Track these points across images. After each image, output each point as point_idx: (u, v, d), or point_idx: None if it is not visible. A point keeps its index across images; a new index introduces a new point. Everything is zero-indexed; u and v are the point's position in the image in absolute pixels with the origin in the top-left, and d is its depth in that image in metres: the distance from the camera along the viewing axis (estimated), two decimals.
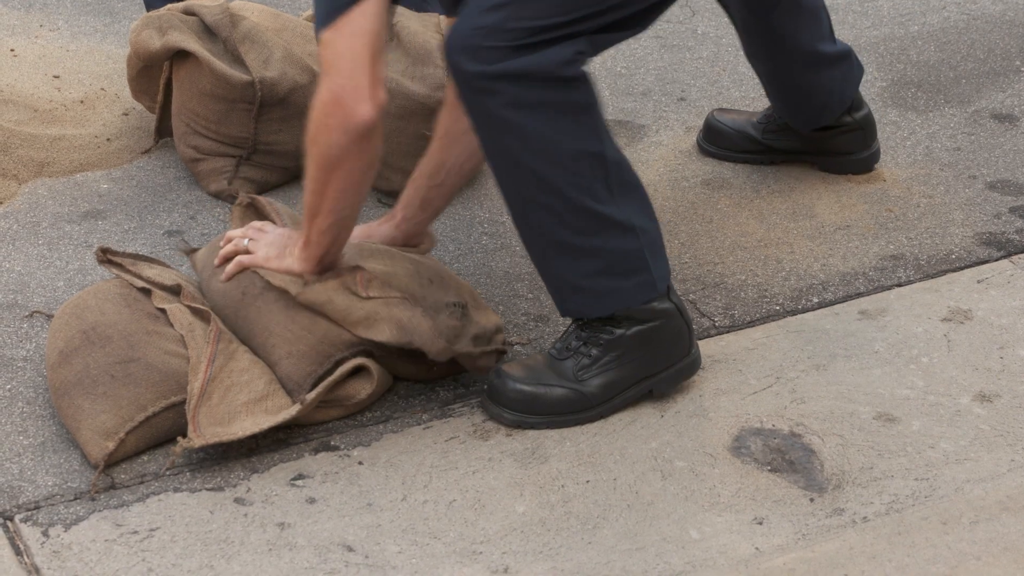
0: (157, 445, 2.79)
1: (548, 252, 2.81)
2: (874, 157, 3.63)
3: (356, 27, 2.64)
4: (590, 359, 2.84)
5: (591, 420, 2.85)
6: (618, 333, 2.84)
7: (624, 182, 2.80)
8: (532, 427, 2.84)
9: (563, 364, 2.86)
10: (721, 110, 3.72)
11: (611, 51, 4.20)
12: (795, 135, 3.60)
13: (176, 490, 2.69)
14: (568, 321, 2.97)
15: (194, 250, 3.17)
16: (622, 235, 2.80)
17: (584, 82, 2.73)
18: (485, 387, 2.89)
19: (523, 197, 2.77)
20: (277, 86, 3.48)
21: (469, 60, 2.66)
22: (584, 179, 2.75)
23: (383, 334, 2.82)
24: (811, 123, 3.54)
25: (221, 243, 3.04)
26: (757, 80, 4.04)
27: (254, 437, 2.78)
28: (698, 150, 3.70)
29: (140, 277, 3.02)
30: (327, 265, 2.88)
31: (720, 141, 3.66)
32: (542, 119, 2.70)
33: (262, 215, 3.15)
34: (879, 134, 3.72)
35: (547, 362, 2.87)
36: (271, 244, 2.93)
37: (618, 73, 4.08)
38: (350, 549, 2.58)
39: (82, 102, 3.86)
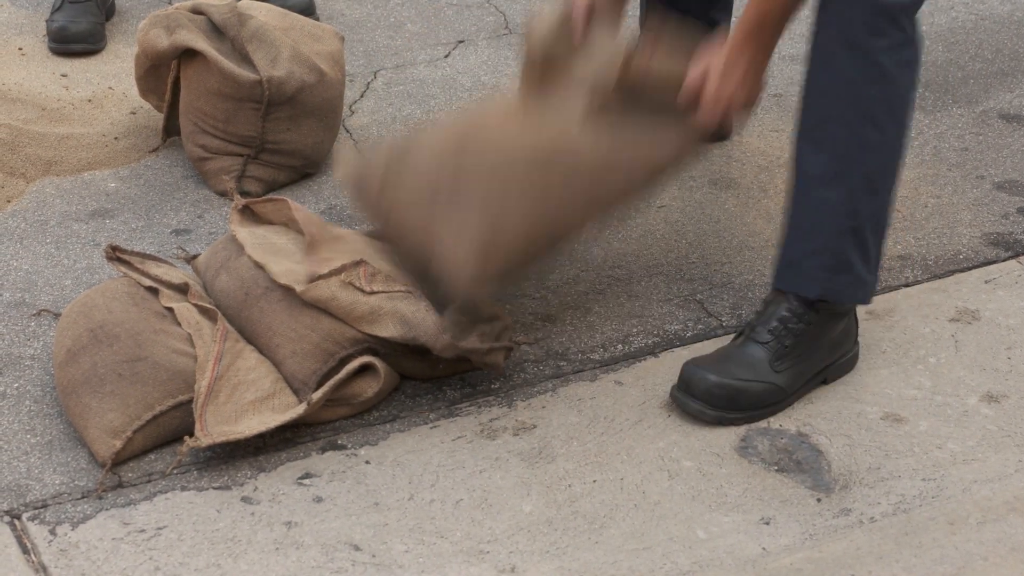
0: (164, 444, 2.79)
1: (849, 225, 2.85)
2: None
3: None
4: (785, 349, 2.86)
5: (781, 410, 2.87)
6: (815, 324, 2.88)
7: None
8: (731, 423, 2.84)
9: (755, 352, 2.86)
10: None
11: None
12: None
13: (183, 489, 2.70)
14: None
15: (195, 256, 3.18)
16: (887, 230, 2.91)
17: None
18: (677, 381, 2.88)
19: (854, 160, 2.81)
20: (284, 85, 3.48)
21: None
22: (900, 158, 2.86)
23: (387, 330, 2.82)
24: None
25: (220, 245, 3.05)
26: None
27: (261, 436, 2.78)
28: None
29: (147, 276, 3.02)
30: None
31: None
32: (906, 75, 2.80)
33: (260, 219, 3.16)
34: None
35: (739, 348, 2.88)
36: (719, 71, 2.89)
37: None
38: (357, 548, 2.58)
39: (90, 101, 3.86)
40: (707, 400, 2.83)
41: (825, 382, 2.94)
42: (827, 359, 2.93)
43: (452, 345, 2.81)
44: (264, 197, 3.17)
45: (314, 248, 2.95)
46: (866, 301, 2.93)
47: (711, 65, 2.88)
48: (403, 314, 2.82)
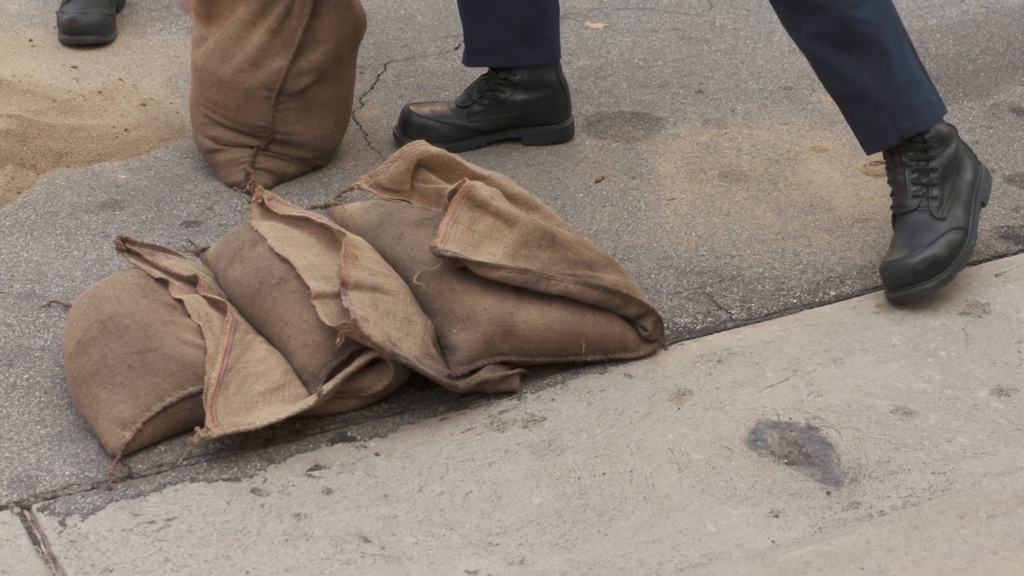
0: (174, 435, 2.79)
1: (892, 69, 3.13)
2: (571, 129, 3.75)
3: None
4: (939, 200, 3.12)
5: (972, 249, 3.15)
6: (938, 162, 3.16)
7: None
8: (948, 280, 3.10)
9: (917, 217, 3.13)
10: (417, 104, 3.72)
11: (629, 43, 4.19)
12: (500, 111, 3.68)
13: (193, 480, 2.70)
14: None
15: (204, 249, 3.19)
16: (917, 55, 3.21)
17: None
18: (886, 289, 3.12)
19: (892, 24, 3.14)
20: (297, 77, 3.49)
21: None
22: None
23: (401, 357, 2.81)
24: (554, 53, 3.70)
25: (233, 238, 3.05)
26: (775, 73, 4.03)
27: (271, 427, 2.78)
28: (396, 143, 3.70)
29: (157, 267, 3.03)
30: None
31: (426, 136, 3.59)
32: None
33: (273, 214, 3.17)
34: None
35: (904, 226, 3.14)
36: None
37: (636, 65, 4.08)
38: (366, 540, 2.58)
39: (100, 92, 3.87)
40: (920, 278, 3.08)
41: (984, 204, 3.21)
42: (968, 178, 3.16)
43: (465, 385, 2.82)
44: (285, 202, 3.19)
45: (354, 259, 2.93)
46: (940, 117, 3.18)
47: None
48: (423, 348, 2.83)
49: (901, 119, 3.15)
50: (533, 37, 3.63)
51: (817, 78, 4.01)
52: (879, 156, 3.66)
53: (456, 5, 4.30)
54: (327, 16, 3.48)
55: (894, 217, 3.20)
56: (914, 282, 3.09)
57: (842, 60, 3.14)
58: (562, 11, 4.29)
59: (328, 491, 2.68)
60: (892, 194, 3.20)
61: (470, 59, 3.69)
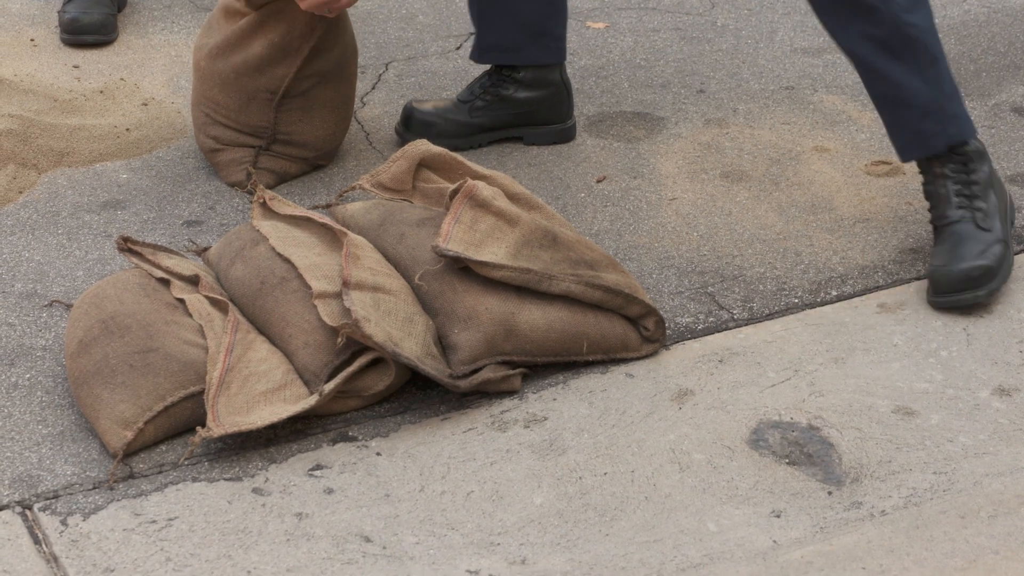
0: (176, 435, 2.79)
1: (941, 76, 3.19)
2: (573, 129, 3.75)
3: None
4: (983, 212, 3.16)
5: (1012, 263, 3.19)
6: (979, 176, 3.19)
7: None
8: (995, 290, 3.12)
9: (962, 228, 3.16)
10: (419, 100, 3.71)
11: (631, 42, 4.19)
12: (503, 107, 3.68)
13: (194, 480, 2.70)
14: None
15: (205, 249, 3.19)
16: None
17: None
18: (930, 296, 3.14)
19: (935, 31, 3.18)
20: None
21: None
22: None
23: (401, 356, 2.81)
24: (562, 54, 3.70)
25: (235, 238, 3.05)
26: (776, 73, 4.03)
27: (272, 427, 2.78)
28: (398, 139, 3.70)
29: (159, 267, 3.03)
30: None
31: (428, 132, 3.60)
32: None
33: (275, 214, 3.17)
34: None
35: (949, 237, 3.16)
36: None
37: (638, 65, 4.08)
38: (368, 540, 2.58)
39: (102, 92, 3.87)
40: (972, 285, 3.10)
41: (1012, 224, 3.24)
42: (1003, 196, 3.23)
43: (466, 385, 2.82)
44: (287, 201, 3.19)
45: (356, 259, 2.93)
46: (975, 134, 3.23)
47: None
48: (425, 348, 2.83)
49: (949, 125, 3.18)
50: (544, 37, 3.63)
51: (818, 81, 4.01)
52: (881, 156, 3.66)
53: (460, 3, 4.29)
54: (331, 28, 3.48)
55: (935, 228, 3.21)
56: (965, 288, 3.10)
57: (892, 64, 3.15)
58: None
59: (329, 491, 2.68)
60: (931, 208, 3.22)
61: (480, 56, 3.69)
